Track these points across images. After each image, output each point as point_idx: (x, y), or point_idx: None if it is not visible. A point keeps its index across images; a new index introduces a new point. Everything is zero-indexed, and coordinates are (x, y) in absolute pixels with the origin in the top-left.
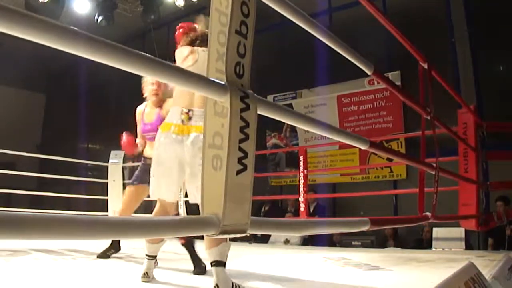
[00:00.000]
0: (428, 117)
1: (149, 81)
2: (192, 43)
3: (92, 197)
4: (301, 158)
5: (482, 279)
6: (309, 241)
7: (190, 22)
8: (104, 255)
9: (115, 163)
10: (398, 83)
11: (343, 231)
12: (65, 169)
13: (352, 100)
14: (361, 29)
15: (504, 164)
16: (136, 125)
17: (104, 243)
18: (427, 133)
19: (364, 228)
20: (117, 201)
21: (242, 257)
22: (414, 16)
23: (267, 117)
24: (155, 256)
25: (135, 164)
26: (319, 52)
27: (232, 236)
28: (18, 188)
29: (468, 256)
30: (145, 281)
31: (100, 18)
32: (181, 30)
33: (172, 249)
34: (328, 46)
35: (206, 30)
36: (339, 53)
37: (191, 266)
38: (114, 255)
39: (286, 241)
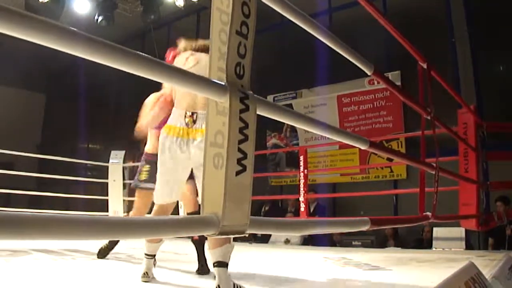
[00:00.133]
0: (428, 117)
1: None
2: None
3: (91, 197)
4: (301, 158)
5: (482, 279)
6: (309, 241)
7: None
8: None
9: (115, 163)
10: (398, 83)
11: (343, 231)
12: (64, 169)
13: (352, 100)
14: (361, 29)
15: (504, 164)
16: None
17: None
18: (427, 133)
19: (364, 228)
20: (117, 201)
21: (242, 257)
22: (414, 16)
23: (267, 117)
24: (154, 255)
25: (135, 164)
26: (319, 52)
27: (231, 236)
28: (17, 188)
29: (468, 256)
30: (145, 281)
31: (100, 18)
32: (171, 53)
33: (172, 249)
34: (328, 46)
35: (207, 41)
36: (339, 53)
37: (191, 266)
38: (112, 252)
39: (287, 241)
